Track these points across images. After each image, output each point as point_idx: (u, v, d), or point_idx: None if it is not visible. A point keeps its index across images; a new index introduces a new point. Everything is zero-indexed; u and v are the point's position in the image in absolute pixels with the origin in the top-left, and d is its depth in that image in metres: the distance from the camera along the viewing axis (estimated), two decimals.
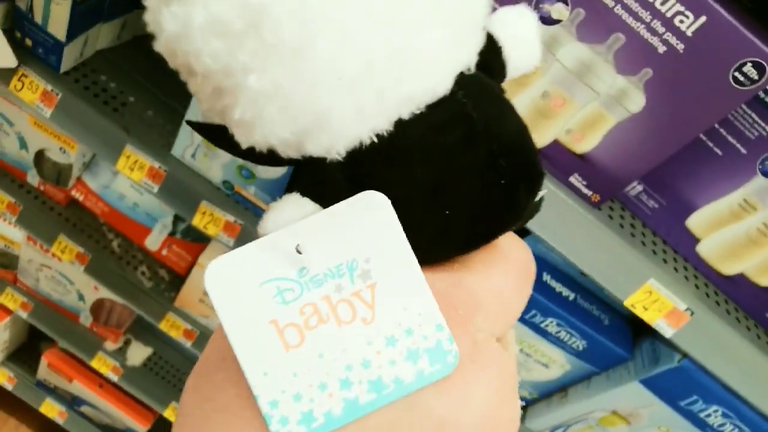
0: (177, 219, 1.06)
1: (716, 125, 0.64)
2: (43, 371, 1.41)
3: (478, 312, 0.24)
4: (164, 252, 1.09)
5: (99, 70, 0.87)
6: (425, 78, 0.22)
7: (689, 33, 0.55)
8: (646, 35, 0.57)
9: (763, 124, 0.63)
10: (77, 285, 1.21)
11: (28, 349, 1.51)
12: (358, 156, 0.23)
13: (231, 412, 0.23)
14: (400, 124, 0.22)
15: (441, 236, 0.24)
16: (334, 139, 0.22)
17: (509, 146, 0.24)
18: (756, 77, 0.56)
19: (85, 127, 0.83)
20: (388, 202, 0.22)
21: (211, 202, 0.85)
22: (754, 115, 0.63)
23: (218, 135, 0.24)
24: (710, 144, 0.65)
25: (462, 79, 0.23)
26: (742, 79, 0.56)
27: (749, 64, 0.56)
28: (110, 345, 1.32)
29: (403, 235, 0.23)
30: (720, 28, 0.54)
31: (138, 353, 1.35)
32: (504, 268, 0.26)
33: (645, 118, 0.60)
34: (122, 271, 1.09)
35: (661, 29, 0.56)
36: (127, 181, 1.03)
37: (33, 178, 1.06)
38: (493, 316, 0.25)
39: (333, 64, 0.20)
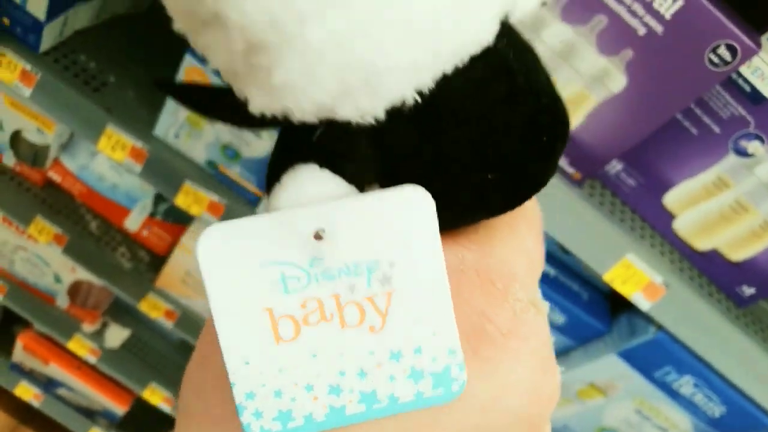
0: (157, 199, 1.05)
1: (692, 105, 0.66)
2: (19, 354, 1.40)
3: (515, 281, 0.23)
4: (144, 233, 1.08)
5: (78, 50, 0.86)
6: (481, 23, 0.19)
7: (668, 16, 0.57)
8: (627, 17, 0.58)
9: (735, 105, 0.65)
10: (54, 267, 1.20)
11: (1, 332, 1.49)
12: (392, 120, 0.19)
13: (210, 394, 0.22)
14: (443, 79, 0.19)
15: (479, 202, 0.22)
16: (378, 100, 0.19)
17: (548, 101, 0.22)
18: (729, 59, 0.58)
19: (65, 107, 0.82)
20: (432, 202, 0.20)
21: (195, 181, 0.85)
22: (727, 96, 0.65)
23: (213, 100, 0.21)
24: (686, 123, 0.67)
25: (503, 26, 0.20)
26: (716, 60, 0.59)
27: (723, 47, 0.58)
28: (87, 327, 1.31)
29: (439, 243, 0.20)
30: (696, 11, 0.56)
31: (116, 335, 1.35)
32: (527, 226, 0.24)
33: (626, 97, 0.62)
34: (101, 252, 1.09)
35: (641, 12, 0.58)
36: (106, 162, 1.02)
37: (9, 160, 1.04)
38: (527, 280, 0.23)
39: (407, 6, 0.17)
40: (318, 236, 0.20)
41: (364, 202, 0.20)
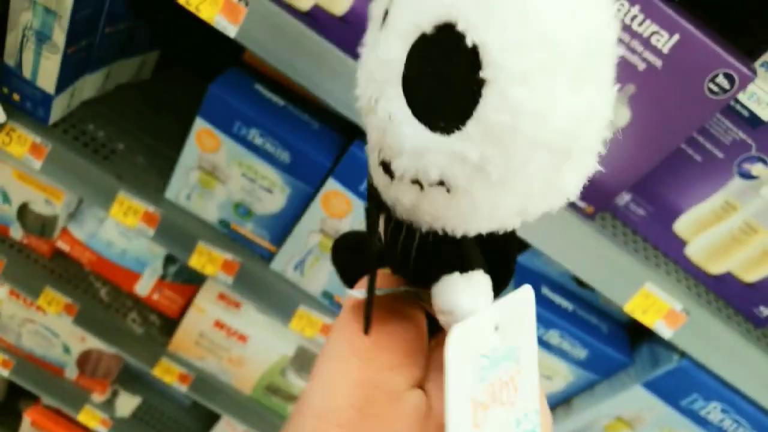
0: (167, 262, 1.05)
1: (694, 133, 0.68)
2: (26, 430, 1.37)
3: None
4: (155, 296, 1.08)
5: (86, 120, 0.88)
6: None
7: (665, 50, 0.60)
8: (627, 54, 0.61)
9: (736, 130, 0.67)
10: (63, 337, 1.19)
11: (6, 409, 1.47)
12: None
13: None
14: None
15: (507, 281, 0.30)
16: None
17: None
18: (728, 87, 0.60)
19: (76, 177, 0.83)
20: (534, 297, 0.26)
21: (208, 241, 0.85)
22: (727, 122, 0.67)
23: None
24: (690, 151, 0.69)
25: None
26: (715, 89, 0.61)
27: (721, 75, 0.60)
28: (97, 397, 1.29)
29: (535, 326, 0.26)
30: (692, 44, 0.59)
31: (126, 403, 1.32)
32: None
33: (631, 130, 0.64)
34: (112, 319, 1.08)
35: (639, 48, 0.60)
36: (114, 228, 1.02)
37: (16, 232, 1.04)
38: None
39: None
40: (496, 329, 0.25)
41: (514, 298, 0.26)
